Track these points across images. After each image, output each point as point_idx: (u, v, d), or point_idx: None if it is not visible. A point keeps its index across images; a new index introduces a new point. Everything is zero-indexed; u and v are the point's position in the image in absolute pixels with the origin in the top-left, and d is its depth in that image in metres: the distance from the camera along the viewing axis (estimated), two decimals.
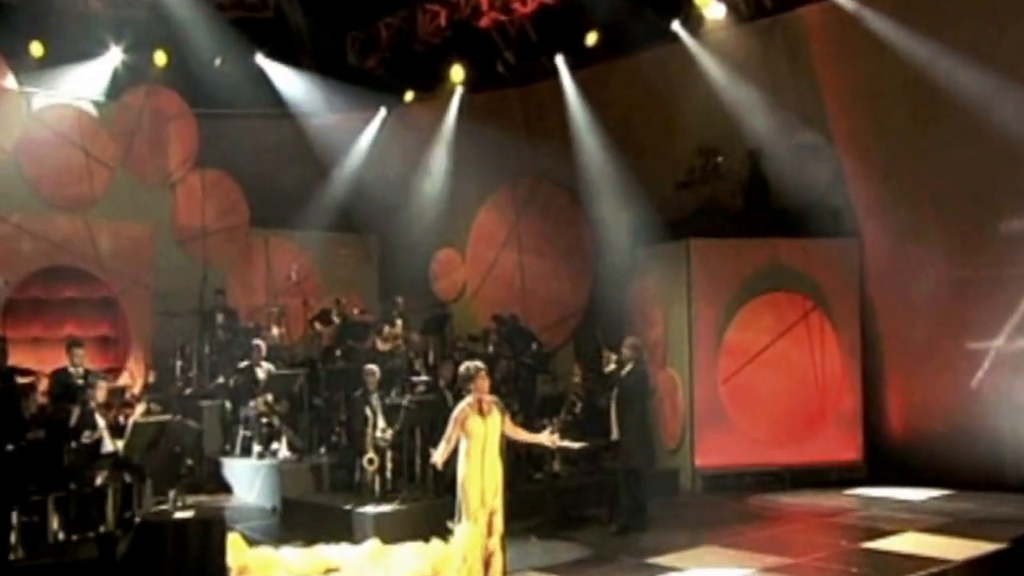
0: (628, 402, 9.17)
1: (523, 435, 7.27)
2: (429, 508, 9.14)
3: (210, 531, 6.84)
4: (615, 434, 9.32)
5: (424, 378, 11.50)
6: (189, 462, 8.22)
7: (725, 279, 12.17)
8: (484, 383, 6.91)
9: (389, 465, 9.67)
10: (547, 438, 7.34)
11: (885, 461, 11.88)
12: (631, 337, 9.51)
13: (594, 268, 14.27)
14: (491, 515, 6.84)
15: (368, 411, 10.11)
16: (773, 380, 12.22)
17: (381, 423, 10.01)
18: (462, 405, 6.93)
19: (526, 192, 15.13)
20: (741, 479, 11.95)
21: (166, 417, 9.13)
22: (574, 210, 14.56)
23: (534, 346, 12.84)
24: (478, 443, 6.80)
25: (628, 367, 9.26)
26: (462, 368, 7.04)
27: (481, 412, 6.87)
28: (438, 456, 6.83)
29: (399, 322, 13.12)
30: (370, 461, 9.74)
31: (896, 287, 11.97)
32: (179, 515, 6.96)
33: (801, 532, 9.64)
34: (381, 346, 12.07)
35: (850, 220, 12.33)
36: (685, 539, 9.10)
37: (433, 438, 9.67)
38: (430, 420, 9.78)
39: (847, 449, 12.18)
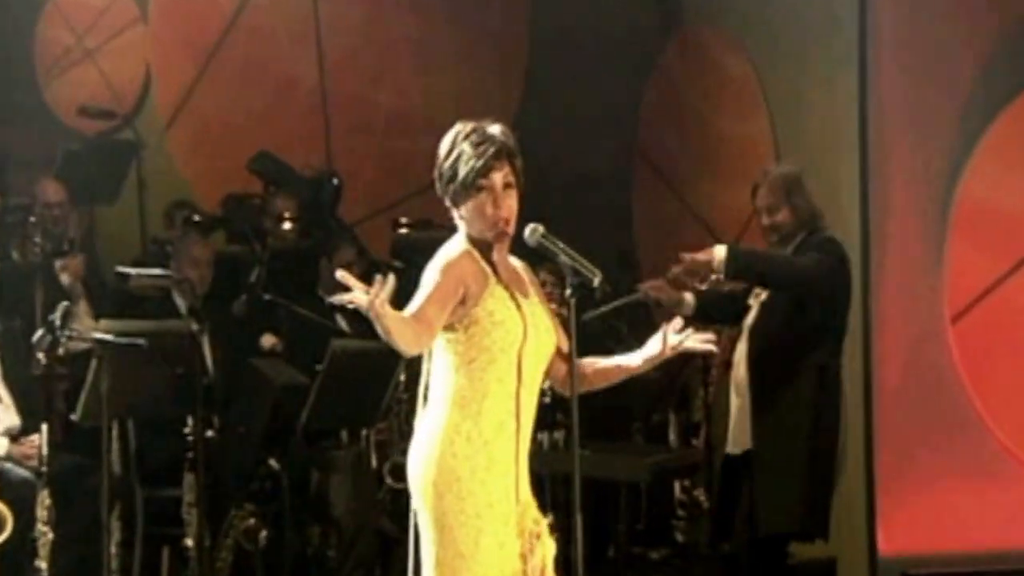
0: (795, 367, 8.31)
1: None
2: None
3: None
4: (731, 444, 8.56)
5: (154, 271, 10.30)
6: None
7: (950, 50, 10.91)
8: (499, 216, 5.59)
9: (43, 531, 9.11)
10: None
11: None
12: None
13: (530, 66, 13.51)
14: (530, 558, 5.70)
15: None
16: None
17: (10, 416, 9.54)
18: (456, 253, 5.61)
19: None
20: None
21: None
22: None
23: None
24: (508, 359, 5.66)
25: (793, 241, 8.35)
26: (444, 144, 5.67)
27: (505, 284, 5.63)
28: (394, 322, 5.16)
29: None
30: None
31: None
32: None
33: None
34: None
35: None
36: None
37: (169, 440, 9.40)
38: (161, 389, 9.20)
39: None
